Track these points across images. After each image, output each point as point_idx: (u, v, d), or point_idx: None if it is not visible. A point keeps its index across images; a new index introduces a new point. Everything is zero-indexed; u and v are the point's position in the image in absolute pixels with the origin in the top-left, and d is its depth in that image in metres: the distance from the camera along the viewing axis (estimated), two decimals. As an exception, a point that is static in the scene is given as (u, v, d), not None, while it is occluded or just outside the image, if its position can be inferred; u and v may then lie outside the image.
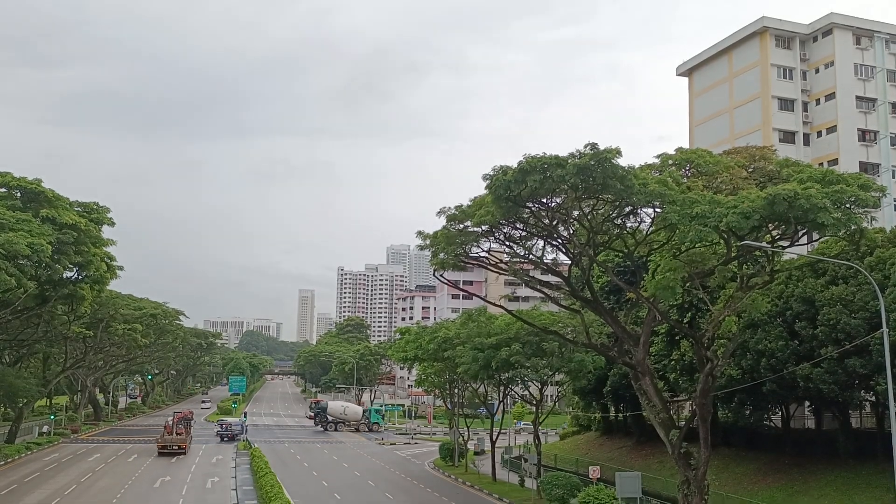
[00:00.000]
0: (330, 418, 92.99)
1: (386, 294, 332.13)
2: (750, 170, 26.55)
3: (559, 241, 28.40)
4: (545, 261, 30.26)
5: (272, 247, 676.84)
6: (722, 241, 25.22)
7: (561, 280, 30.96)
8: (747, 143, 34.44)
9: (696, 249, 26.07)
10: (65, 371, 73.44)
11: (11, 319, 51.30)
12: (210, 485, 44.70)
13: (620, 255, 31.83)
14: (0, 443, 59.31)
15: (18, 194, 44.54)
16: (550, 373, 45.19)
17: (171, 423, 62.80)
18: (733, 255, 25.83)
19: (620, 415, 56.35)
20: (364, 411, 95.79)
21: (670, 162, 26.03)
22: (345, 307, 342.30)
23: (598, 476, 36.87)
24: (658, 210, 24.94)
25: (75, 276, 48.92)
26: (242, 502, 37.92)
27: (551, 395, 57.31)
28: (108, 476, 47.36)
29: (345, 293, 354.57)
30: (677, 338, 40.12)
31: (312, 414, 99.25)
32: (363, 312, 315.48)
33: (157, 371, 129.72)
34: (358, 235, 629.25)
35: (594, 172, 22.93)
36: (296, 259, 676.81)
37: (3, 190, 44.54)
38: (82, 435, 75.74)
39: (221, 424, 76.50)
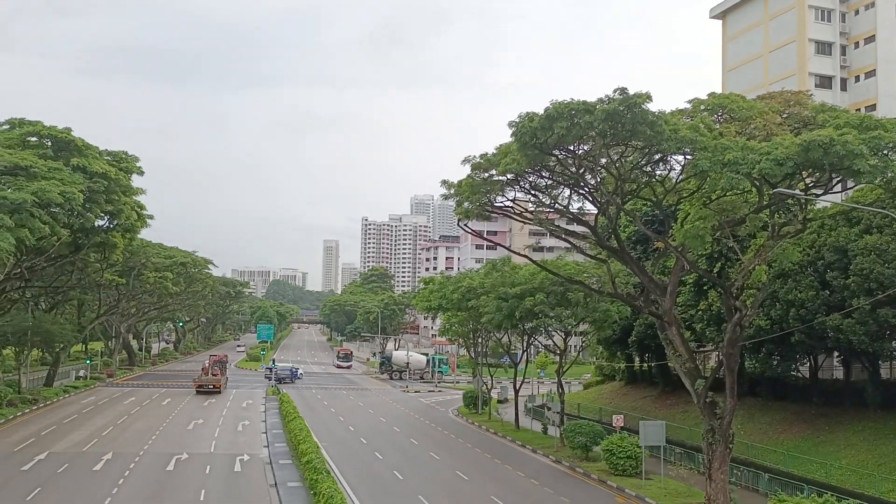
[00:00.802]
0: (394, 367, 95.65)
1: (410, 244, 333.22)
2: (784, 115, 25.77)
3: (586, 189, 28.02)
4: (571, 210, 29.89)
5: (297, 198, 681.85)
6: (754, 188, 24.65)
7: (587, 229, 30.68)
8: (782, 88, 33.36)
9: (728, 197, 25.56)
10: (99, 317, 75.40)
11: (46, 266, 52.43)
12: (241, 427, 45.99)
13: (649, 203, 31.33)
14: (39, 386, 61.46)
15: (49, 143, 44.84)
16: (575, 323, 45.19)
17: (208, 365, 69.30)
18: (765, 203, 25.28)
19: (645, 365, 56.50)
20: (428, 360, 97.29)
21: (702, 107, 25.34)
22: (369, 257, 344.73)
23: (622, 425, 37.01)
24: (689, 157, 24.41)
25: (107, 224, 49.59)
26: (272, 445, 38.96)
27: (575, 346, 57.41)
28: (144, 418, 48.92)
29: (369, 243, 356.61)
30: (705, 287, 39.82)
31: (378, 363, 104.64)
32: (387, 262, 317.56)
33: (187, 318, 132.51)
34: (382, 186, 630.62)
35: (623, 118, 22.42)
36: (321, 210, 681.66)
37: (35, 139, 44.86)
38: (117, 379, 78.06)
39: (270, 369, 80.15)
